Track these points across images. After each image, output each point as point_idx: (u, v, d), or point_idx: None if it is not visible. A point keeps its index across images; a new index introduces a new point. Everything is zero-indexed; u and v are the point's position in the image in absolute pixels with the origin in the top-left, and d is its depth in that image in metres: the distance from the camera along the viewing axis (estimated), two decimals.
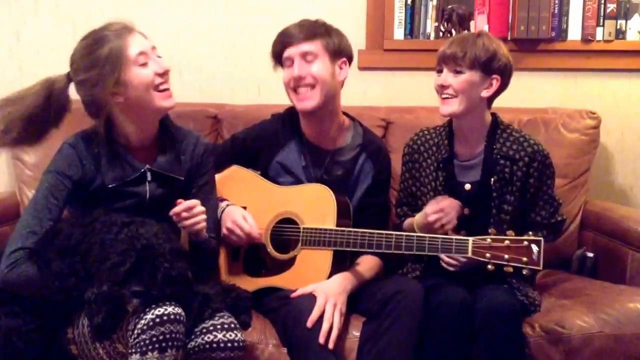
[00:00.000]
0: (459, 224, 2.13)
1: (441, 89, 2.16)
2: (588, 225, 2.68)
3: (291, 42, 2.20)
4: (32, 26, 2.85)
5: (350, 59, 2.29)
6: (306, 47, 2.19)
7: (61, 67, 2.79)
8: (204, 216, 1.96)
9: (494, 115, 2.26)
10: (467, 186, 2.22)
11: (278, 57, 2.25)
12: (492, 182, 2.18)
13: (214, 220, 2.14)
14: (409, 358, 1.97)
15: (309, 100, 2.20)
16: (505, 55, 2.16)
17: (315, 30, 2.22)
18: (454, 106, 2.14)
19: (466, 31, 2.80)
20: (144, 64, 1.93)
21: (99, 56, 1.90)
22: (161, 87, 1.96)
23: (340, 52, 2.24)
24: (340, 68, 2.25)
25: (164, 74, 1.97)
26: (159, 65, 1.96)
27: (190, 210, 1.93)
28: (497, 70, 2.14)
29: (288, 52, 2.21)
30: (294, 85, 2.21)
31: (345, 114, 2.35)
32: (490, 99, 2.20)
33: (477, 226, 2.14)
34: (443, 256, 2.13)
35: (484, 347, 2.01)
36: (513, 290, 2.12)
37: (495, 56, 2.12)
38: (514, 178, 2.18)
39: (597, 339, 2.08)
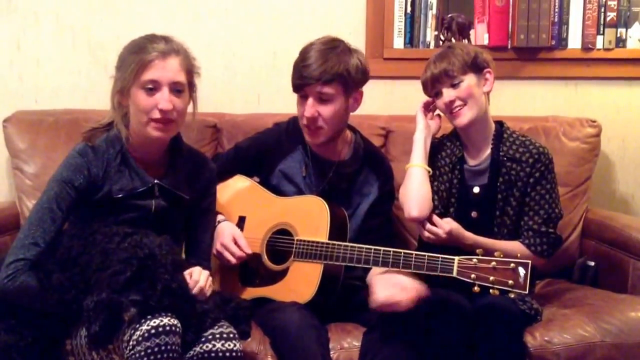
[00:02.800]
0: (467, 226, 2.17)
1: (449, 105, 2.19)
2: (589, 234, 2.67)
3: (308, 83, 2.12)
4: (32, 36, 2.85)
5: (365, 82, 2.23)
6: (324, 89, 2.12)
7: (62, 76, 2.82)
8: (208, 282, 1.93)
9: (500, 122, 2.29)
10: (476, 189, 2.24)
11: (295, 89, 2.18)
12: (498, 185, 2.20)
13: (209, 245, 2.15)
14: None
15: (318, 137, 2.20)
16: (482, 50, 2.25)
17: (335, 69, 2.10)
18: (468, 113, 2.18)
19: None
20: (151, 91, 1.92)
21: (130, 59, 1.93)
22: (154, 118, 1.93)
23: (358, 84, 2.19)
24: (355, 100, 2.22)
25: (164, 112, 1.92)
26: (164, 102, 1.91)
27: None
28: (486, 64, 2.21)
29: (304, 91, 2.15)
30: (305, 123, 2.18)
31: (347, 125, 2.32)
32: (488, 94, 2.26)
33: (484, 229, 2.18)
34: (424, 231, 2.17)
35: (484, 356, 2.00)
36: (514, 299, 2.11)
37: (477, 54, 2.20)
38: (517, 179, 2.20)
39: (599, 348, 2.08)
